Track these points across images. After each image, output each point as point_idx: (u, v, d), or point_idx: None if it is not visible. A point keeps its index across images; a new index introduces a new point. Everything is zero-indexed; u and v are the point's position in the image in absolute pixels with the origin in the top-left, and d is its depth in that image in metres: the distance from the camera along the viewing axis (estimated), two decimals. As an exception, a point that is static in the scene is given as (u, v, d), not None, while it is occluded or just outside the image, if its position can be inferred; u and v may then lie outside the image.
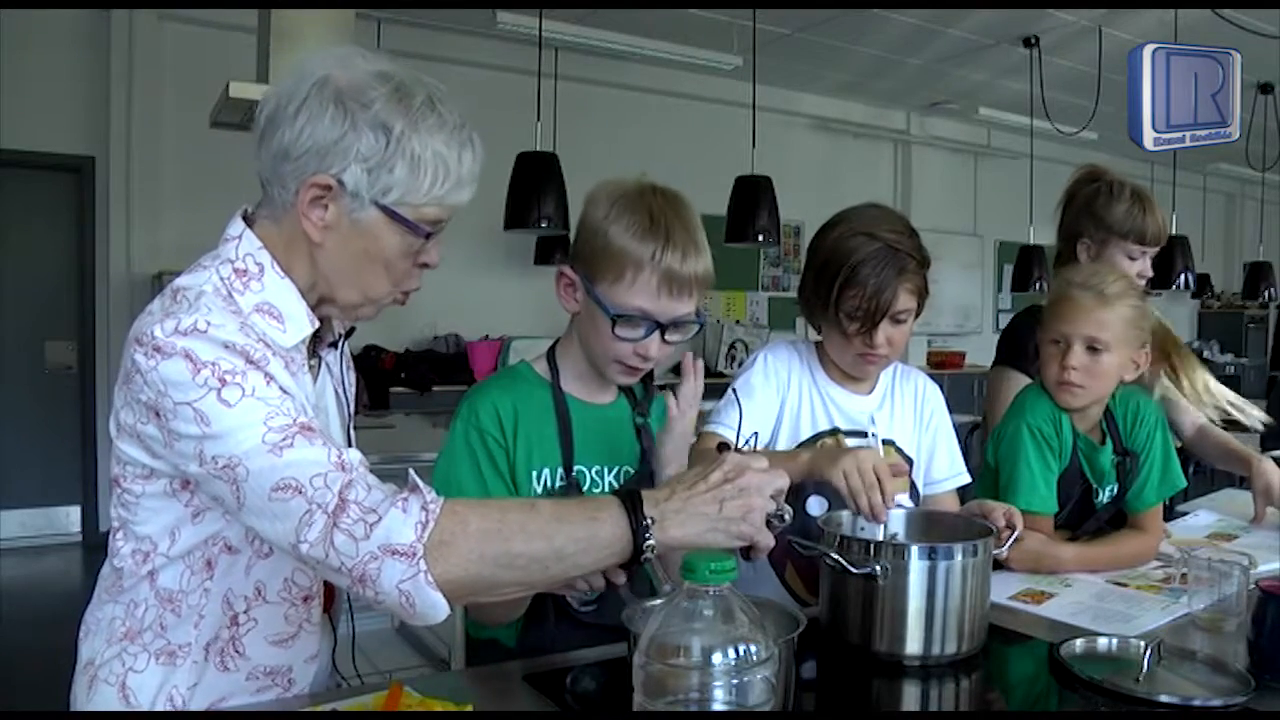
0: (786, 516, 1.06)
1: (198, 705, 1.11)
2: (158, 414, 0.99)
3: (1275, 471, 2.04)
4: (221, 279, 1.06)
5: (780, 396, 1.61)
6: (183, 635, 1.10)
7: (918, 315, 1.57)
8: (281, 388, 1.00)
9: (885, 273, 1.48)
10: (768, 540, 1.03)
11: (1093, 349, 1.64)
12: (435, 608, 0.93)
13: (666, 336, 1.34)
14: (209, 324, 0.99)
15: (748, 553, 1.04)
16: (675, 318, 1.33)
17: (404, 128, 1.04)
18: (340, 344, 1.28)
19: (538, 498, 1.32)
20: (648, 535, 0.98)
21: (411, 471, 1.00)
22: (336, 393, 1.26)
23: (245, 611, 1.11)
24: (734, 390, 1.59)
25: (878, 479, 1.30)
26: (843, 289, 1.51)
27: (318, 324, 1.13)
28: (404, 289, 1.15)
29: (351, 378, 1.34)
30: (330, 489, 0.94)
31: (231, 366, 0.97)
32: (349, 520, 0.93)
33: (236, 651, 1.12)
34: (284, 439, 0.96)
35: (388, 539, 0.92)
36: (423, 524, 0.93)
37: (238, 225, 1.11)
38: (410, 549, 0.92)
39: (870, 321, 1.50)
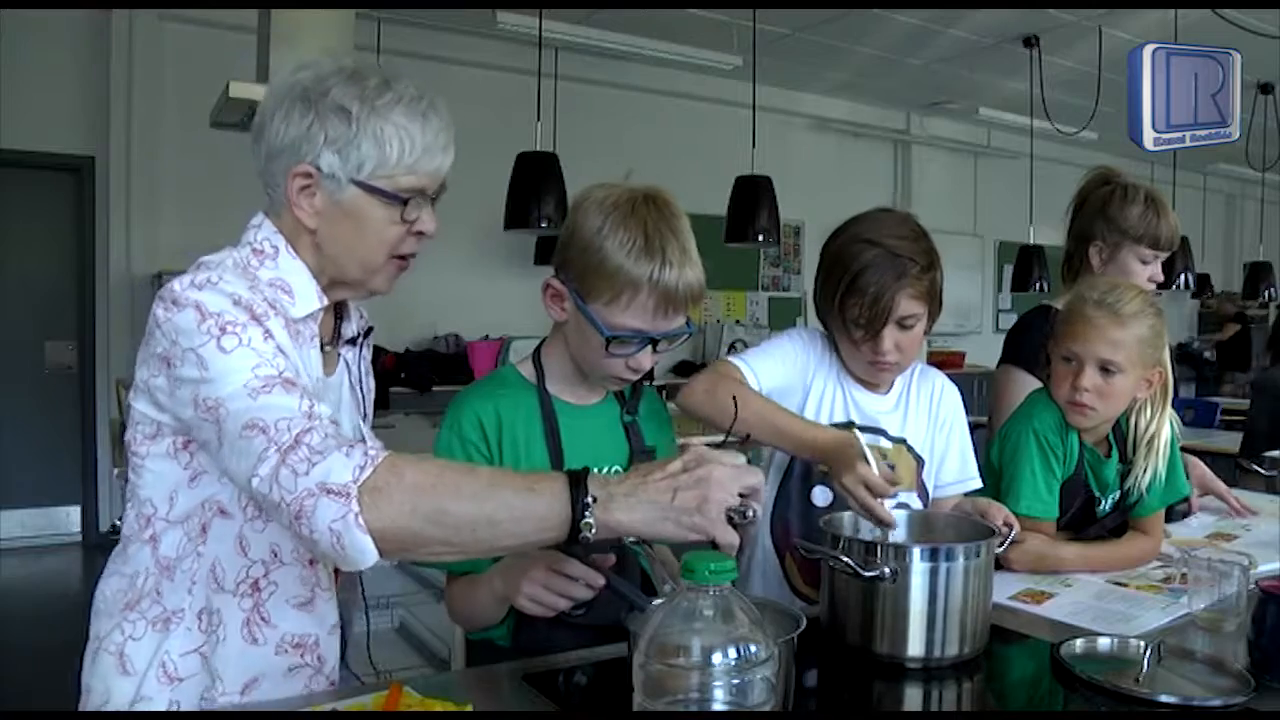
0: (750, 514, 1.01)
1: (229, 683, 1.12)
2: (168, 363, 1.05)
3: (1203, 466, 2.11)
4: (241, 256, 1.15)
5: (807, 369, 1.61)
6: (176, 601, 1.13)
7: (934, 319, 1.56)
8: (278, 346, 1.05)
9: (884, 279, 1.47)
10: (726, 536, 0.98)
11: (1106, 370, 1.61)
12: (363, 552, 0.94)
13: (658, 348, 1.33)
14: (221, 279, 1.07)
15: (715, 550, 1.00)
16: (668, 332, 1.32)
17: (361, 106, 1.12)
18: (360, 344, 1.32)
19: (486, 465, 1.32)
20: (586, 515, 0.96)
21: (362, 424, 1.01)
22: (353, 387, 1.30)
23: (265, 575, 1.14)
24: (765, 342, 1.62)
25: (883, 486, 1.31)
26: (844, 297, 1.51)
27: (326, 301, 1.19)
28: (400, 254, 1.20)
29: (370, 384, 1.37)
30: (290, 431, 0.98)
31: (234, 319, 1.04)
32: (295, 458, 0.96)
33: (263, 619, 1.14)
34: (264, 386, 1.01)
35: (326, 478, 0.94)
36: (360, 468, 0.95)
37: (259, 217, 1.20)
38: (344, 489, 0.93)
39: (873, 328, 1.50)
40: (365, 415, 1.34)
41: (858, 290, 1.49)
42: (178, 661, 1.12)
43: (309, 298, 1.17)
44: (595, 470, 1.38)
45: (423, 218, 1.18)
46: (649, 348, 1.32)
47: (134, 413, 1.13)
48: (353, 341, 1.31)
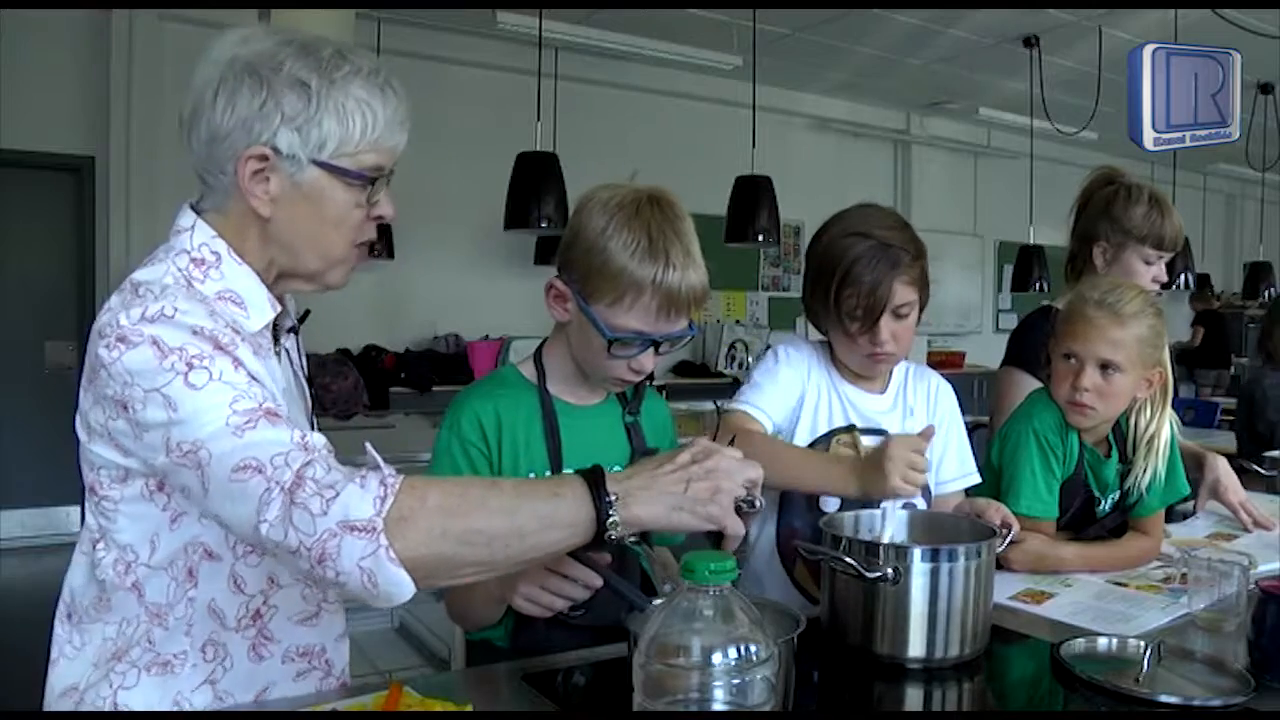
0: (758, 504, 1.05)
1: (239, 696, 1.10)
2: (126, 406, 0.97)
3: (1227, 469, 2.03)
4: (180, 269, 1.06)
5: (802, 387, 1.63)
6: (175, 645, 1.08)
7: (922, 309, 1.57)
8: (250, 374, 0.98)
9: (879, 269, 1.50)
10: (737, 526, 1.02)
11: (1106, 369, 1.61)
12: (399, 586, 0.90)
13: (660, 350, 1.33)
14: (176, 310, 0.98)
15: (719, 541, 1.03)
16: (670, 334, 1.32)
17: (320, 80, 1.04)
18: (298, 331, 1.27)
19: (502, 477, 1.30)
20: (610, 513, 0.96)
21: (369, 446, 0.97)
22: (297, 375, 1.26)
23: (265, 603, 1.11)
24: (758, 375, 1.63)
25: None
26: (840, 290, 1.52)
27: (280, 308, 1.13)
28: (359, 241, 1.14)
29: (304, 364, 1.33)
30: (290, 467, 0.91)
31: (199, 351, 0.96)
32: (305, 495, 0.89)
33: (266, 639, 1.12)
34: (247, 421, 0.94)
35: (346, 514, 0.88)
36: (381, 499, 0.89)
37: (189, 216, 1.11)
38: (369, 524, 0.88)
39: (870, 319, 1.52)
40: (308, 404, 1.28)
41: (853, 282, 1.51)
42: (192, 698, 1.08)
43: (261, 306, 1.09)
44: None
45: (382, 200, 1.11)
46: (651, 349, 1.32)
47: (91, 455, 1.04)
48: (292, 330, 1.24)
